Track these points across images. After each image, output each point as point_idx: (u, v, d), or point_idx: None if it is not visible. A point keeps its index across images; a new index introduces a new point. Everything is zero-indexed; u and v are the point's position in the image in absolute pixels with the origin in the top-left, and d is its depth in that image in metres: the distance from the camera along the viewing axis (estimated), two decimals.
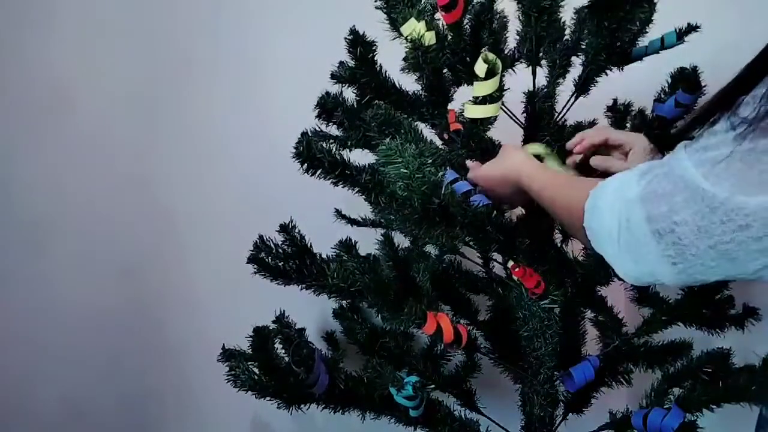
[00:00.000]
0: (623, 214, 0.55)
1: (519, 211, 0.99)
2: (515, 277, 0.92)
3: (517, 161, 0.83)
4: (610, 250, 0.58)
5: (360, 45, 0.95)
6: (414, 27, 0.84)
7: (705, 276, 0.51)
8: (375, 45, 0.96)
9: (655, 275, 0.55)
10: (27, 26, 1.48)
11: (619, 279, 1.12)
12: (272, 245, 1.00)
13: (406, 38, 0.86)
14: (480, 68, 0.82)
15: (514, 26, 1.03)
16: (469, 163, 0.93)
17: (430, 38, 0.86)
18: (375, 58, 0.97)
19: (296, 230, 1.03)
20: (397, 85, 1.00)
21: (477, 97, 0.85)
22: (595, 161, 0.90)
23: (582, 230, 0.62)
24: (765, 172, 0.44)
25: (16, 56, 1.49)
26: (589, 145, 0.90)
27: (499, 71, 0.83)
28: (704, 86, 0.98)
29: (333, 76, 1.01)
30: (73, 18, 1.49)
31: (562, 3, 0.97)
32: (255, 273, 1.01)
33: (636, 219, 0.53)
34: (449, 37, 0.94)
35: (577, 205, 0.62)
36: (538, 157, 0.90)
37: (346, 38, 0.94)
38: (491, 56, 0.81)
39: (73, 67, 1.49)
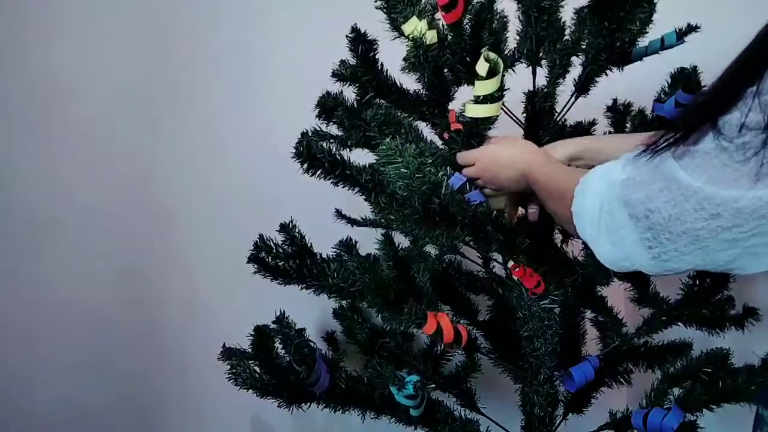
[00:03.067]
0: (605, 197, 0.57)
1: (519, 211, 0.99)
2: (515, 277, 0.92)
3: (529, 151, 0.85)
4: (590, 231, 0.60)
5: (362, 43, 0.95)
6: (416, 25, 0.84)
7: (677, 264, 0.54)
8: (376, 43, 0.96)
9: (631, 259, 0.57)
10: (26, 25, 1.48)
11: (619, 279, 1.13)
12: (272, 245, 1.00)
13: (407, 37, 0.86)
14: (481, 67, 0.82)
15: (514, 26, 1.03)
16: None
17: (431, 37, 0.86)
18: (376, 57, 0.97)
19: (296, 230, 1.04)
20: (398, 84, 1.00)
21: (478, 97, 0.84)
22: None
23: (571, 217, 0.63)
24: (737, 170, 0.47)
25: (15, 55, 1.48)
26: None
27: (501, 70, 0.83)
28: (704, 86, 0.98)
29: (334, 74, 1.01)
30: (72, 17, 1.49)
31: (562, 3, 0.97)
32: (255, 273, 1.01)
33: (615, 202, 0.56)
34: (449, 37, 0.94)
35: (570, 193, 0.64)
36: None
37: (347, 36, 0.94)
38: (493, 55, 0.81)
39: (72, 66, 1.49)
